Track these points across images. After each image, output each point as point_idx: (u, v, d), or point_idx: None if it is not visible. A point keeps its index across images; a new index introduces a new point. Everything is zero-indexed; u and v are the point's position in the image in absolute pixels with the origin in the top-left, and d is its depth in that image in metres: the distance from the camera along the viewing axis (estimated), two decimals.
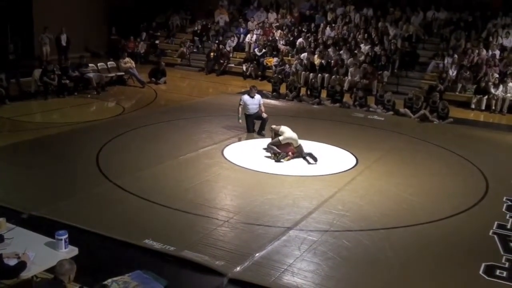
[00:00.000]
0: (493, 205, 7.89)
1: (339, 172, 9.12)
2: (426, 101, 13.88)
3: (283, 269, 5.76)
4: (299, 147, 9.67)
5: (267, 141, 10.09)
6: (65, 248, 4.96)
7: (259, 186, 8.31)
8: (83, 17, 20.60)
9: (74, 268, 4.27)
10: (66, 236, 4.98)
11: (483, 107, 14.92)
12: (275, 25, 20.77)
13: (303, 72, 17.41)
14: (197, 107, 13.96)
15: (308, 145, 9.98)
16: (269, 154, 9.74)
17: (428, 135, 11.74)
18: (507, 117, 14.41)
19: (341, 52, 17.74)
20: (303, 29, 19.91)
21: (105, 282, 5.03)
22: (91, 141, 10.19)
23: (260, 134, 11.19)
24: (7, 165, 8.83)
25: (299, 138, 9.78)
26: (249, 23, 21.20)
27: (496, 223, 7.18)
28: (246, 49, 19.98)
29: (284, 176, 8.84)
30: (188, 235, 6.46)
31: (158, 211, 7.19)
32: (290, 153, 9.60)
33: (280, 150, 9.58)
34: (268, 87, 16.28)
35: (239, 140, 10.94)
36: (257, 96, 11.39)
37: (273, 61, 18.41)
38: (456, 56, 16.41)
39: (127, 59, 17.13)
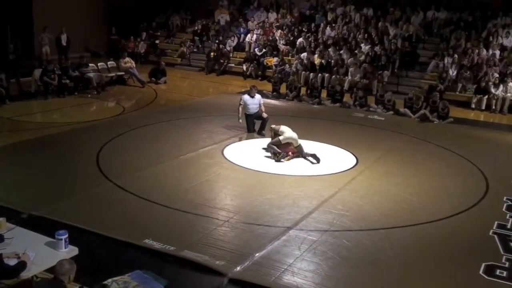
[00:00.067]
0: (493, 205, 7.89)
1: (339, 172, 9.12)
2: (426, 101, 13.88)
3: (283, 269, 5.76)
4: (299, 147, 9.67)
5: (267, 141, 10.09)
6: (65, 248, 4.96)
7: (259, 186, 8.30)
8: (83, 17, 20.60)
9: (74, 268, 4.27)
10: (66, 236, 4.98)
11: (483, 107, 14.92)
12: (275, 25, 20.78)
13: (303, 72, 17.42)
14: (197, 107, 13.96)
15: (308, 145, 9.98)
16: (269, 154, 9.74)
17: (428, 135, 11.74)
18: (508, 117, 14.41)
19: (341, 52, 17.75)
20: (303, 29, 19.91)
21: (105, 282, 5.02)
22: (91, 141, 10.19)
23: (260, 134, 11.19)
24: (7, 165, 8.83)
25: (299, 138, 9.78)
26: (249, 23, 21.21)
27: (496, 223, 7.18)
28: (246, 49, 19.99)
29: (284, 176, 8.84)
30: (188, 235, 6.46)
31: (158, 211, 7.19)
32: (290, 153, 9.60)
33: (280, 150, 9.58)
34: (268, 87, 16.28)
35: (239, 140, 10.94)
36: (257, 96, 11.39)
37: (273, 61, 18.42)
38: (456, 56, 16.41)
39: (127, 59, 17.13)
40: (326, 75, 16.94)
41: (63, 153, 9.57)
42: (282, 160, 9.47)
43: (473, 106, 14.99)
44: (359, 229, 6.84)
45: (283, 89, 15.78)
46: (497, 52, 16.41)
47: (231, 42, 20.24)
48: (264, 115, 11.27)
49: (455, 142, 11.25)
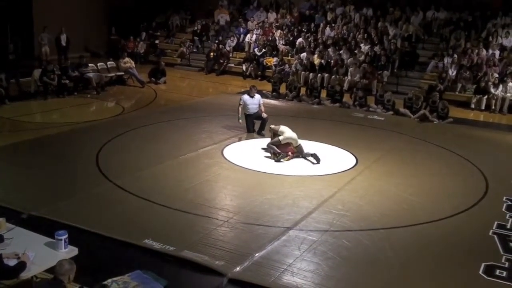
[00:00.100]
0: (493, 205, 7.89)
1: (339, 172, 9.12)
2: (426, 101, 13.88)
3: (283, 269, 5.76)
4: (299, 147, 9.67)
5: (267, 141, 10.08)
6: (65, 248, 4.96)
7: (259, 186, 8.30)
8: (83, 17, 20.59)
9: (74, 268, 4.27)
10: (66, 236, 4.98)
11: (483, 107, 14.91)
12: (275, 25, 20.77)
13: (303, 72, 17.41)
14: (197, 107, 13.96)
15: (308, 145, 9.98)
16: (269, 154, 9.74)
17: (428, 135, 11.74)
18: (507, 117, 14.41)
19: (341, 52, 17.74)
20: (303, 29, 19.91)
21: (105, 282, 5.03)
22: (91, 141, 10.19)
23: (260, 134, 11.19)
24: (7, 165, 8.83)
25: (299, 138, 9.78)
26: (249, 23, 21.21)
27: (496, 223, 7.18)
28: (246, 49, 19.98)
29: (284, 176, 8.84)
30: (188, 235, 6.46)
31: (158, 211, 7.19)
32: (290, 153, 9.60)
33: (280, 150, 9.58)
34: (268, 87, 16.28)
35: (239, 140, 10.94)
36: (257, 96, 11.39)
37: (273, 61, 18.41)
38: (455, 56, 16.41)
39: (127, 59, 17.13)
40: (326, 75, 16.94)
41: (63, 153, 9.57)
42: (282, 160, 9.46)
43: (472, 106, 14.99)
44: (359, 229, 6.84)
45: (282, 89, 15.77)
46: (497, 52, 16.40)
47: (231, 42, 20.24)
48: (264, 115, 11.26)
49: (455, 142, 11.25)
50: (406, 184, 8.63)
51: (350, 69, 16.73)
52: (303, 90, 15.73)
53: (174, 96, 15.54)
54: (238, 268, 5.72)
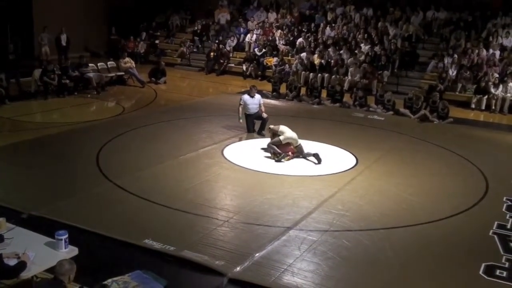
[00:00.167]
0: (493, 205, 7.89)
1: (339, 172, 9.12)
2: (426, 101, 13.88)
3: (283, 269, 5.76)
4: (299, 147, 9.68)
5: (267, 141, 10.08)
6: (65, 248, 4.96)
7: (259, 186, 8.30)
8: (83, 17, 20.60)
9: (74, 268, 4.27)
10: (66, 236, 4.97)
11: (483, 107, 14.91)
12: (275, 25, 20.77)
13: (303, 72, 17.41)
14: (197, 107, 13.96)
15: (308, 145, 9.98)
16: (269, 154, 9.74)
17: (428, 135, 11.74)
18: (507, 117, 14.41)
19: (341, 52, 17.74)
20: (303, 29, 19.91)
21: (105, 282, 5.03)
22: (91, 141, 10.19)
23: (260, 134, 11.18)
24: (7, 165, 8.83)
25: (299, 138, 9.78)
26: (249, 23, 21.21)
27: (496, 223, 7.18)
28: (246, 49, 19.98)
29: (284, 176, 8.84)
30: (188, 235, 6.46)
31: (158, 211, 7.19)
32: (290, 153, 9.60)
33: (280, 150, 9.58)
34: (268, 87, 16.28)
35: (239, 140, 10.94)
36: (257, 96, 11.39)
37: (273, 61, 18.41)
38: (456, 56, 16.41)
39: (127, 59, 17.13)
40: (326, 75, 16.94)
41: (63, 153, 9.57)
42: (282, 160, 9.46)
43: (473, 106, 14.99)
44: (359, 229, 6.84)
45: (283, 89, 15.78)
46: (497, 52, 16.40)
47: (231, 42, 20.24)
48: (264, 115, 11.26)
49: (455, 142, 11.25)
50: (406, 184, 8.63)
51: (350, 69, 16.73)
52: (303, 90, 15.73)
53: (174, 96, 15.54)
54: (238, 268, 5.72)
